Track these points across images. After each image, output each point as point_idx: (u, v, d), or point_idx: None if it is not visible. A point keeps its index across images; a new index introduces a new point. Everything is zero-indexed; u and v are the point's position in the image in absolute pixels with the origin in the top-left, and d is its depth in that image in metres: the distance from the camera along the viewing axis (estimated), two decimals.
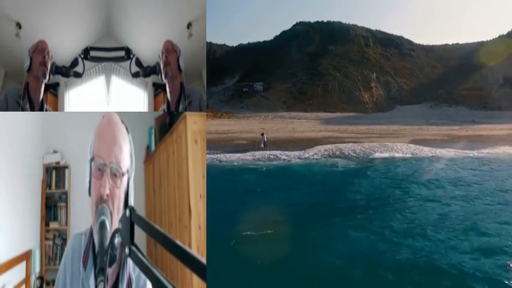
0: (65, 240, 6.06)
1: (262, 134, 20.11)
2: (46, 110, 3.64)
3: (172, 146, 4.69)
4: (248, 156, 16.38)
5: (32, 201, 5.61)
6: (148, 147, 6.56)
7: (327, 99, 60.32)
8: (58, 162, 6.18)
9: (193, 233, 3.76)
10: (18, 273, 4.72)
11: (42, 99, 3.54)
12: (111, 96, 5.59)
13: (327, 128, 34.43)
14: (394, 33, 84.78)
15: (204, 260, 0.95)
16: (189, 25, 4.69)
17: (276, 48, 76.21)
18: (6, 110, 3.44)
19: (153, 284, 1.11)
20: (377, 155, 17.78)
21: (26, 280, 4.96)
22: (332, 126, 36.67)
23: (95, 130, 1.73)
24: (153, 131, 6.28)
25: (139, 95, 5.75)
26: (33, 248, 5.35)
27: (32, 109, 3.47)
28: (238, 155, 16.55)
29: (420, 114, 51.51)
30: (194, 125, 3.99)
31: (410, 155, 17.77)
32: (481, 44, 77.38)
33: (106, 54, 4.52)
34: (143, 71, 3.98)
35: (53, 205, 6.12)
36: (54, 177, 6.15)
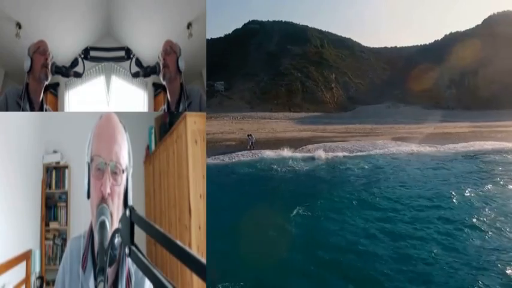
0: (64, 240, 6.06)
1: (249, 135, 19.93)
2: (46, 110, 3.64)
3: (172, 146, 4.69)
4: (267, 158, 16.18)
5: (32, 201, 5.61)
6: (148, 147, 6.56)
7: (291, 99, 61.11)
8: (58, 162, 6.18)
9: (193, 233, 3.76)
10: (18, 273, 4.72)
11: (42, 100, 3.54)
12: (111, 96, 5.59)
13: (305, 127, 34.90)
14: (342, 35, 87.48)
15: (204, 260, 0.95)
16: (189, 25, 4.69)
17: (231, 46, 75.00)
18: (6, 110, 3.44)
19: (153, 284, 1.11)
20: (376, 151, 18.42)
21: (26, 280, 4.96)
22: (309, 125, 37.27)
23: (92, 131, 1.72)
24: (153, 131, 6.28)
25: (139, 95, 5.74)
26: (33, 248, 5.35)
27: (32, 109, 3.47)
28: (239, 156, 16.48)
29: (382, 114, 53.36)
30: (194, 125, 3.99)
31: (404, 151, 18.56)
32: (417, 48, 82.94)
33: (106, 54, 4.51)
34: (143, 71, 3.97)
35: (53, 205, 6.11)
36: (54, 177, 6.15)
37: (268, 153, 16.97)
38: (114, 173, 1.62)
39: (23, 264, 4.93)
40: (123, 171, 1.66)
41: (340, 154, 17.53)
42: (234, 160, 15.85)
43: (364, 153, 17.91)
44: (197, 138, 4.00)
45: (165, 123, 5.48)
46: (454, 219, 7.88)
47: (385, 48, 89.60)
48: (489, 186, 10.85)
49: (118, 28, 5.35)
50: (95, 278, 1.58)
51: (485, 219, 7.78)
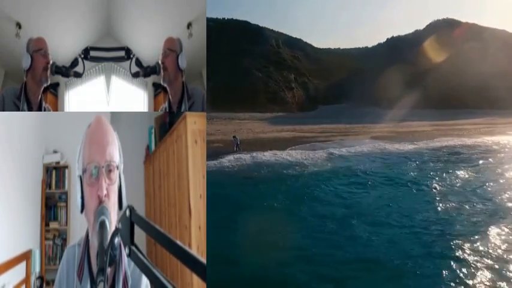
0: (65, 240, 6.06)
1: (234, 137, 19.43)
2: (45, 109, 3.62)
3: (172, 146, 4.69)
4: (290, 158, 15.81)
5: (32, 201, 5.61)
6: (148, 147, 6.56)
7: (254, 100, 60.13)
8: (58, 162, 6.18)
9: (193, 233, 3.76)
10: (18, 273, 4.72)
11: (41, 99, 3.52)
12: (111, 96, 5.59)
13: (282, 128, 34.72)
14: (292, 35, 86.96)
15: (204, 260, 0.95)
16: (189, 25, 4.68)
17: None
18: (3, 111, 3.42)
19: (153, 284, 1.11)
20: (368, 149, 19.12)
21: (26, 280, 4.96)
22: (285, 126, 37.02)
23: (82, 142, 1.70)
24: (153, 131, 6.28)
25: (139, 95, 5.74)
26: (33, 248, 5.35)
27: (30, 110, 3.45)
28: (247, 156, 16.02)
29: (346, 114, 53.71)
30: (194, 125, 3.99)
31: (396, 148, 19.50)
32: (360, 50, 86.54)
33: (106, 54, 4.51)
34: (143, 71, 3.97)
35: (53, 205, 6.11)
36: (54, 177, 6.15)
37: (265, 155, 16.58)
38: (109, 172, 1.62)
39: (23, 264, 4.93)
40: (117, 167, 1.66)
41: (337, 153, 17.56)
42: (237, 163, 15.05)
43: (355, 152, 18.14)
44: (197, 138, 4.01)
45: (165, 123, 5.48)
46: None
47: (330, 49, 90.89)
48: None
49: (118, 28, 5.35)
50: (96, 278, 1.58)
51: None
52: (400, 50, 71.34)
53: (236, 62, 67.19)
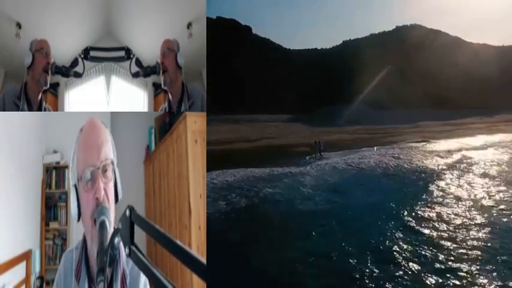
0: (64, 240, 6.06)
1: (317, 142, 18.37)
2: (45, 109, 3.63)
3: (172, 146, 4.69)
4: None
5: (32, 201, 5.61)
6: (148, 147, 6.56)
7: (254, 101, 60.08)
8: (58, 162, 6.18)
9: (193, 233, 3.76)
10: (18, 273, 4.72)
11: (41, 99, 3.53)
12: (111, 96, 5.58)
13: (325, 130, 34.64)
14: (261, 36, 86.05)
15: (204, 260, 0.95)
16: (189, 25, 4.68)
17: None
18: (4, 110, 3.43)
19: (153, 284, 1.11)
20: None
21: (26, 280, 4.96)
22: (322, 128, 37.00)
23: (73, 152, 1.68)
24: (153, 131, 6.29)
25: (139, 95, 5.74)
26: (33, 248, 5.35)
27: (30, 109, 3.46)
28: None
29: (353, 114, 54.36)
30: (194, 125, 3.99)
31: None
32: (316, 51, 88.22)
33: (106, 54, 4.52)
34: (143, 71, 3.97)
35: (53, 205, 6.12)
36: (54, 177, 6.15)
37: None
38: (104, 171, 1.61)
39: (23, 264, 4.93)
40: (112, 163, 1.66)
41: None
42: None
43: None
44: (197, 138, 4.00)
45: (165, 123, 5.48)
46: None
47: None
48: None
49: (118, 28, 5.35)
50: (96, 278, 1.58)
51: None
52: (356, 52, 72.51)
53: (226, 63, 66.77)
